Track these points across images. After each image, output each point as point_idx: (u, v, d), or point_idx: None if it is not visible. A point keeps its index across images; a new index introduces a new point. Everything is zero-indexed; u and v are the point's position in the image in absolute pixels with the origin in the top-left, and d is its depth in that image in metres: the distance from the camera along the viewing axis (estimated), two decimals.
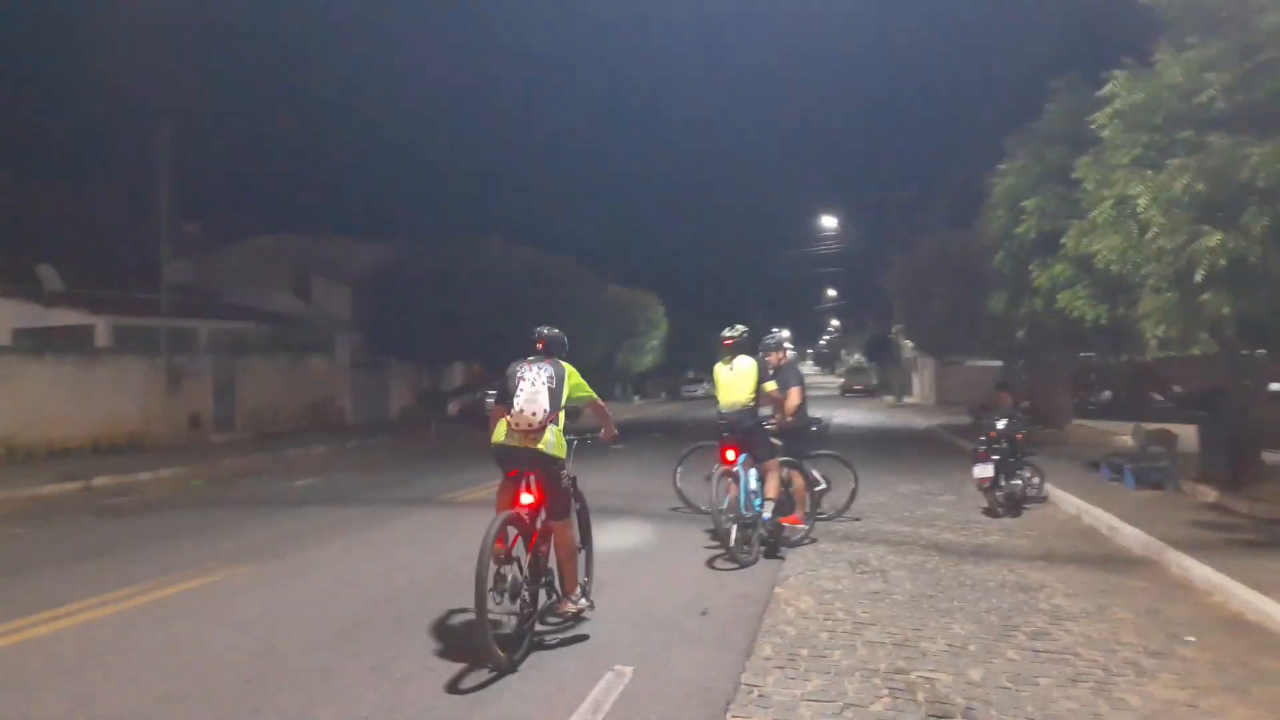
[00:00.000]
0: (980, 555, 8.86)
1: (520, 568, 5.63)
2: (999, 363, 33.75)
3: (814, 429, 10.62)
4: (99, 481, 15.80)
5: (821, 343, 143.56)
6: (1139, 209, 8.20)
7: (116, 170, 26.87)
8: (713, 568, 8.09)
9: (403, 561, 8.38)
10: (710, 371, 9.22)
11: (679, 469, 11.45)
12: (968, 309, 20.11)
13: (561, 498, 5.93)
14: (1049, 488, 12.48)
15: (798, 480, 9.62)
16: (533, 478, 5.85)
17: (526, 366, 6.01)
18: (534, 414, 5.74)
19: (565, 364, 6.18)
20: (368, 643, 5.91)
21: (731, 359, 8.78)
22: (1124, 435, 20.23)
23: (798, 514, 9.53)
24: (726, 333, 8.91)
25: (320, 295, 36.11)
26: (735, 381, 8.66)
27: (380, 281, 29.92)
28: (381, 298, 29.44)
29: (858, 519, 10.75)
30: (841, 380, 68.34)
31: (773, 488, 8.78)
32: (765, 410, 9.09)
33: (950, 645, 5.91)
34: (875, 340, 66.45)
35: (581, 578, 6.27)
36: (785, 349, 10.32)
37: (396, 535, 9.83)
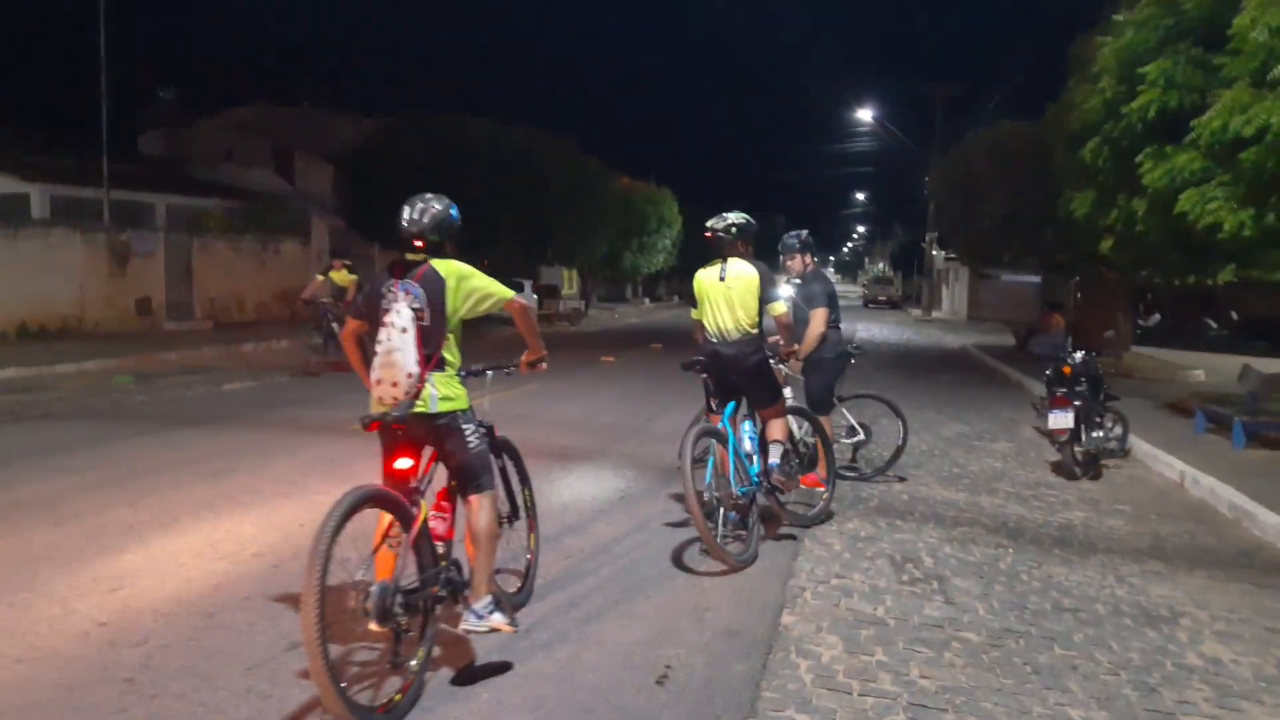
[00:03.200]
0: (1068, 546, 6.34)
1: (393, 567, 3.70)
2: (1037, 278, 30.87)
3: (852, 358, 7.94)
4: (6, 373, 13.55)
5: (845, 250, 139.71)
6: None
7: (73, 19, 23.77)
8: (688, 569, 5.48)
9: (225, 554, 5.53)
10: None
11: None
12: (1028, 214, 17.19)
13: (474, 463, 4.03)
14: (1132, 439, 9.88)
15: (825, 429, 7.07)
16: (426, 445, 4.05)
17: (393, 293, 3.92)
18: (394, 384, 3.80)
19: (448, 265, 4.01)
20: None
21: (723, 265, 5.99)
22: (1195, 370, 17.59)
23: (818, 473, 6.98)
24: (714, 224, 6.08)
25: (305, 174, 33.24)
26: (730, 298, 5.90)
27: (362, 161, 26.96)
28: (364, 179, 26.56)
29: (903, 478, 8.18)
30: (863, 290, 65.38)
31: (780, 430, 6.16)
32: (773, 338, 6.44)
33: None
34: (903, 249, 63.25)
35: (509, 581, 4.56)
36: (812, 252, 7.60)
37: (257, 489, 7.05)
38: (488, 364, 4.46)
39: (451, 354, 3.97)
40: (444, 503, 4.08)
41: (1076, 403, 8.60)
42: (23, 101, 27.79)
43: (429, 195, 4.09)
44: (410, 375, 3.75)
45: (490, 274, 4.19)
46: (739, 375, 5.96)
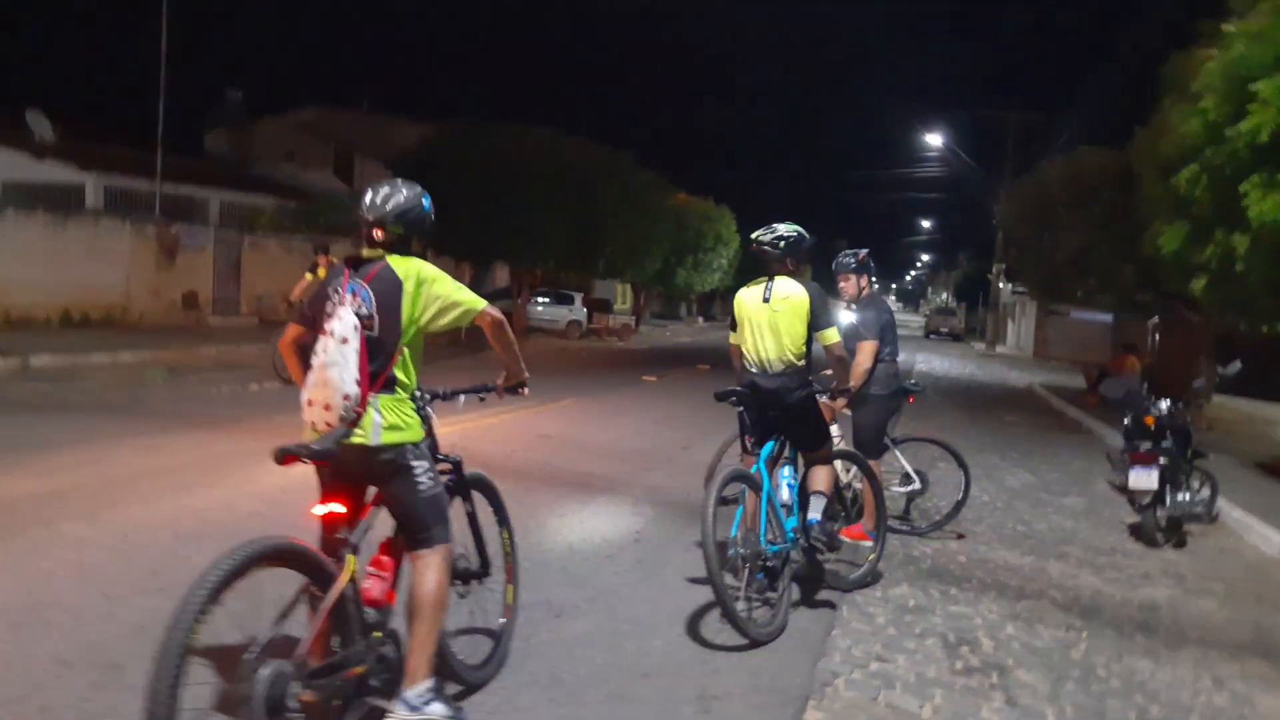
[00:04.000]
0: (1152, 632, 5.41)
1: (297, 649, 2.85)
2: (1108, 317, 29.44)
3: (912, 394, 7.09)
4: (39, 360, 13.31)
5: (908, 278, 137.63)
6: None
7: (147, 16, 23.88)
8: (701, 641, 4.65)
9: (166, 585, 4.85)
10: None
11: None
12: (1106, 248, 16.09)
13: (422, 509, 3.24)
14: (1221, 503, 8.82)
15: (876, 475, 6.22)
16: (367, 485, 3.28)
17: (339, 295, 3.20)
18: (327, 406, 3.08)
19: (408, 264, 3.28)
20: None
21: (769, 284, 5.26)
22: None
23: (864, 525, 6.12)
24: (760, 236, 5.35)
25: (363, 176, 33.15)
26: (774, 322, 5.15)
27: (420, 166, 26.69)
28: (421, 183, 26.13)
29: (961, 535, 7.27)
30: (925, 320, 63.97)
31: (824, 479, 5.35)
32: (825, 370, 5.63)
33: None
34: (968, 279, 61.68)
35: (478, 647, 3.76)
36: (870, 275, 6.76)
37: (233, 507, 6.31)
38: (457, 387, 3.75)
39: (405, 373, 3.24)
40: (384, 558, 3.30)
41: (1162, 460, 7.64)
42: (93, 95, 28.11)
43: (398, 180, 3.42)
44: (347, 397, 3.03)
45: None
46: (780, 412, 5.18)
